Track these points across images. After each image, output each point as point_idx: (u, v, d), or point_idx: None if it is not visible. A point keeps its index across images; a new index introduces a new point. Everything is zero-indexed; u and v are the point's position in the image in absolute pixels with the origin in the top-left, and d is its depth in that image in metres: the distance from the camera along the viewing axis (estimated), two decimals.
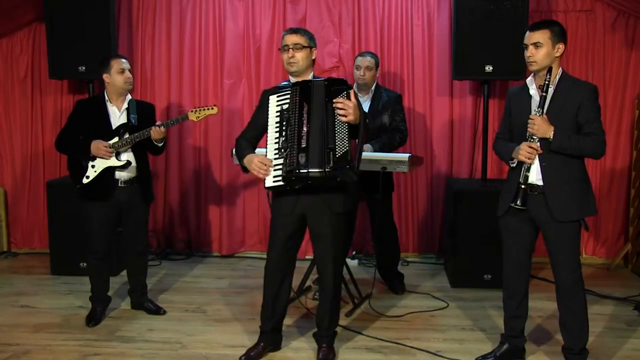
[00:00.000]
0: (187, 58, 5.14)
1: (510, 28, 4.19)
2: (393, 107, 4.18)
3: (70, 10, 4.56)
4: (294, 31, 3.16)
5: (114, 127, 3.66)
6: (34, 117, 5.28)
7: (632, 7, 4.71)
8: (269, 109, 3.06)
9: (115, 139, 3.63)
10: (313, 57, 3.17)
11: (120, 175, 3.67)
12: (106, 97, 3.71)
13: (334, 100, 2.92)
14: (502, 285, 3.21)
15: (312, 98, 2.97)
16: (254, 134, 3.25)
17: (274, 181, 2.98)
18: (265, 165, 2.99)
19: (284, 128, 2.98)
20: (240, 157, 3.16)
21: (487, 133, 4.53)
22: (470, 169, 5.03)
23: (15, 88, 5.25)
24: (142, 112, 3.74)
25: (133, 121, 3.67)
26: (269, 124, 3.05)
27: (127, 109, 3.71)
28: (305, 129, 2.94)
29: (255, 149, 3.21)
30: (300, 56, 3.09)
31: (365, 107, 4.18)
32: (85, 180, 3.66)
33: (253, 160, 3.04)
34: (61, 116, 5.19)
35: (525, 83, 3.05)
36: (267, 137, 3.08)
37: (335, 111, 2.91)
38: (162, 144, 3.72)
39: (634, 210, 4.82)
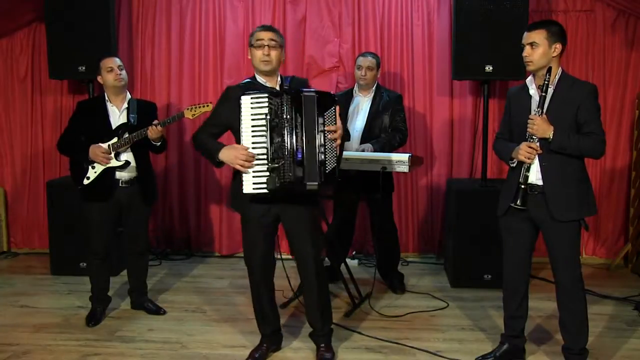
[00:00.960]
0: (187, 58, 5.14)
1: (510, 28, 4.18)
2: (393, 108, 4.18)
3: (70, 10, 4.56)
4: (269, 28, 3.09)
5: (114, 126, 3.67)
6: (34, 117, 5.28)
7: (632, 7, 4.71)
8: (242, 109, 2.91)
9: (115, 139, 3.63)
10: (283, 58, 3.14)
11: (121, 175, 3.67)
12: (106, 97, 3.71)
13: (327, 129, 2.91)
14: (502, 285, 3.20)
15: (304, 110, 2.90)
16: (217, 132, 3.13)
17: (255, 188, 2.92)
18: (251, 157, 2.90)
19: (273, 135, 2.88)
20: (211, 151, 3.02)
21: (487, 133, 4.52)
22: (470, 169, 5.03)
23: (15, 88, 5.26)
24: (142, 112, 3.74)
25: (132, 121, 3.67)
26: (242, 125, 2.92)
27: (127, 108, 3.71)
28: (300, 141, 2.89)
29: None
30: (275, 54, 3.04)
31: (366, 107, 4.20)
32: (85, 181, 3.66)
33: (232, 153, 2.92)
34: (61, 116, 5.20)
35: (525, 83, 3.05)
36: (241, 138, 2.94)
37: (326, 132, 2.91)
38: (160, 143, 3.71)
39: (634, 210, 4.82)
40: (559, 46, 2.90)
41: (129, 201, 3.71)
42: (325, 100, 2.95)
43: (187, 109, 3.68)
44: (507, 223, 3.08)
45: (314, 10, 5.04)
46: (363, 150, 3.97)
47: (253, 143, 2.92)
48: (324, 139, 2.92)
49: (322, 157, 2.91)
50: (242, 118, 2.93)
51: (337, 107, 2.97)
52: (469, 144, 5.03)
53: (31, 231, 5.37)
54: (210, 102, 3.70)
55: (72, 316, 3.88)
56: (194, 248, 5.33)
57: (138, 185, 3.72)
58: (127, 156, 3.67)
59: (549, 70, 2.87)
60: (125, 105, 3.72)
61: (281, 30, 4.92)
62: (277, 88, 3.10)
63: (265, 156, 2.90)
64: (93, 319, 3.74)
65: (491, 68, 4.32)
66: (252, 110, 2.92)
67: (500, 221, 3.11)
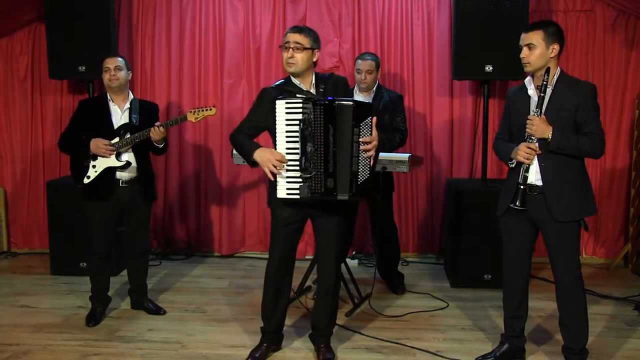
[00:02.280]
0: (187, 58, 5.14)
1: (510, 28, 4.17)
2: (394, 108, 4.18)
3: (70, 10, 4.57)
4: (298, 30, 3.04)
5: (115, 126, 3.67)
6: (34, 117, 5.28)
7: (632, 7, 4.71)
8: (277, 114, 2.91)
9: (116, 139, 3.63)
10: (315, 59, 3.07)
11: (121, 175, 3.67)
12: (108, 97, 3.72)
13: (362, 140, 2.91)
14: (502, 285, 3.20)
15: (338, 120, 2.89)
16: (254, 133, 3.14)
17: (288, 193, 2.92)
18: (281, 163, 2.90)
19: (305, 144, 2.86)
20: (247, 151, 3.03)
21: (487, 133, 4.53)
22: (470, 169, 5.03)
23: (15, 88, 5.26)
24: (144, 112, 3.74)
25: (134, 121, 3.67)
26: (277, 130, 2.93)
27: (130, 108, 3.71)
28: (331, 152, 2.88)
29: None
30: (300, 57, 2.99)
31: None
32: (86, 180, 3.66)
33: (266, 156, 2.93)
34: (61, 116, 5.20)
35: (524, 83, 3.05)
36: (276, 142, 2.96)
37: (360, 145, 2.91)
38: (162, 144, 3.72)
39: (634, 210, 4.82)
40: (556, 47, 2.89)
41: (130, 201, 3.71)
42: (362, 110, 2.94)
43: (190, 112, 3.68)
44: (506, 223, 3.08)
45: (314, 10, 5.04)
46: None
47: (287, 149, 2.92)
48: (357, 150, 2.91)
49: (354, 168, 2.91)
50: (277, 122, 2.92)
51: (374, 118, 2.97)
52: (469, 144, 5.03)
53: (31, 231, 5.36)
54: (214, 106, 3.71)
55: (72, 316, 3.88)
56: (194, 248, 5.33)
57: (138, 185, 3.72)
58: (128, 156, 3.67)
59: (548, 70, 2.87)
60: (128, 105, 3.72)
61: (281, 29, 4.94)
62: (312, 90, 3.08)
63: (299, 162, 2.90)
64: (93, 319, 3.74)
65: (491, 68, 4.32)
66: (286, 115, 2.91)
67: (499, 221, 3.11)
